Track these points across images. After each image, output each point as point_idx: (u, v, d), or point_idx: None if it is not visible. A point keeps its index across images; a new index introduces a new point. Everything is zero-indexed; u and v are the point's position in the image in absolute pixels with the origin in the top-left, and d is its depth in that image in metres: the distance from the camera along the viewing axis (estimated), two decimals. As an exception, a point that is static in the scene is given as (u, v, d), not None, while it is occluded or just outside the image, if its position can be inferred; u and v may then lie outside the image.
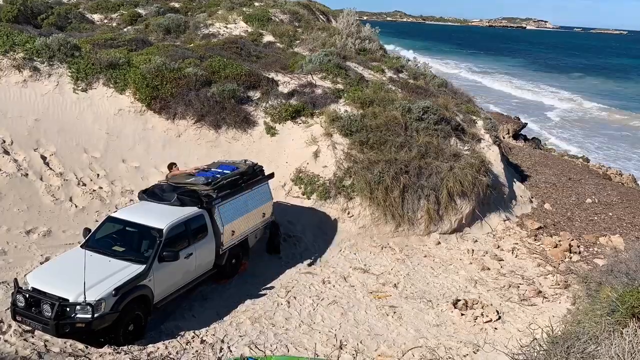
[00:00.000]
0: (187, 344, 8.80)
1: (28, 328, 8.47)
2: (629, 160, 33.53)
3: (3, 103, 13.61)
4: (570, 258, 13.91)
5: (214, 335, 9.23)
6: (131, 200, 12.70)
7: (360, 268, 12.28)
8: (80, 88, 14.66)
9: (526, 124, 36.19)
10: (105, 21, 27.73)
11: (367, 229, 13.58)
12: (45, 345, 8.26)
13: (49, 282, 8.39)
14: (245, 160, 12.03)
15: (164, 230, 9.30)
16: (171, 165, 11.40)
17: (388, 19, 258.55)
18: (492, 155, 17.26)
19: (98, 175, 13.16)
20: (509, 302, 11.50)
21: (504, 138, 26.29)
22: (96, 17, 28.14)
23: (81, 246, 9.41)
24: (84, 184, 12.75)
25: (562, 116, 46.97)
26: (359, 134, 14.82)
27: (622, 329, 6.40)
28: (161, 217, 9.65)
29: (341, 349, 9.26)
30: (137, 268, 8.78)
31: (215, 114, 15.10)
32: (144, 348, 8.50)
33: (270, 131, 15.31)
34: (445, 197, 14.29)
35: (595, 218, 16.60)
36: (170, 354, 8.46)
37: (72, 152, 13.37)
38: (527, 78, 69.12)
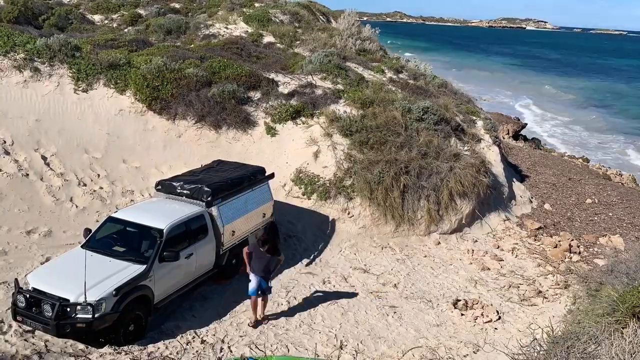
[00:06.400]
0: (187, 344, 8.81)
1: (28, 328, 8.48)
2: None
3: (4, 103, 13.61)
4: (571, 258, 13.90)
5: (214, 335, 9.24)
6: (132, 200, 12.71)
7: (361, 268, 12.29)
8: (80, 88, 14.68)
9: (526, 124, 36.23)
10: (106, 22, 27.78)
11: (367, 229, 13.58)
12: (46, 346, 8.27)
13: (50, 282, 8.40)
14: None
15: (164, 231, 9.30)
16: None
17: (388, 19, 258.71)
18: (492, 155, 17.27)
19: (99, 175, 13.17)
20: (509, 302, 11.51)
21: (503, 138, 26.32)
22: (97, 17, 28.19)
23: (82, 246, 9.41)
24: (85, 185, 12.76)
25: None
26: (359, 135, 14.83)
27: (623, 328, 6.41)
28: (161, 217, 9.66)
29: (341, 349, 9.27)
30: (138, 268, 8.78)
31: (216, 115, 15.11)
32: (145, 348, 8.51)
33: (271, 131, 15.32)
34: (446, 197, 14.29)
35: (595, 218, 16.60)
36: (170, 354, 8.47)
37: (73, 153, 13.38)
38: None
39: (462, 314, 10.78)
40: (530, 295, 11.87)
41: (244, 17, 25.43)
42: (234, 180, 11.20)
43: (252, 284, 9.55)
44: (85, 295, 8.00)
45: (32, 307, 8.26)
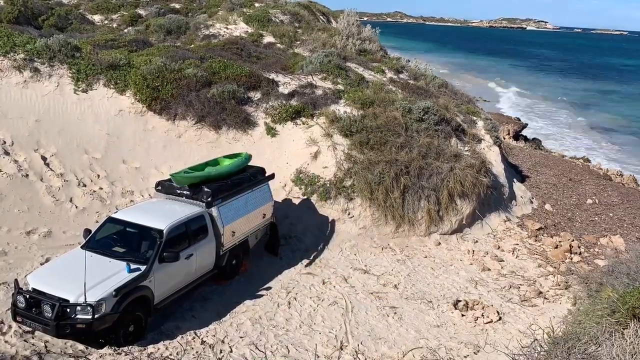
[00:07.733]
0: (187, 345, 8.80)
1: (28, 329, 8.48)
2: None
3: (4, 104, 13.60)
4: (571, 259, 13.89)
5: (214, 336, 9.23)
6: (131, 201, 12.70)
7: (361, 269, 12.27)
8: (80, 89, 14.66)
9: (527, 124, 36.20)
10: (106, 22, 27.81)
11: (367, 230, 13.57)
12: (46, 346, 8.27)
13: (50, 283, 8.39)
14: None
15: (164, 231, 9.29)
16: None
17: (388, 19, 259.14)
18: (493, 155, 17.25)
19: (98, 176, 13.16)
20: (509, 303, 11.49)
21: (504, 138, 26.30)
22: (97, 18, 28.21)
23: (81, 247, 9.40)
24: (85, 185, 12.75)
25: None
26: (359, 135, 14.81)
27: (623, 329, 6.40)
28: (161, 217, 9.65)
29: (342, 349, 9.26)
30: (138, 269, 8.76)
31: (216, 115, 15.10)
32: (144, 349, 8.50)
33: (271, 132, 15.31)
34: (446, 198, 14.28)
35: (596, 219, 16.59)
36: (170, 354, 8.46)
37: (73, 153, 13.37)
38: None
39: (462, 315, 10.76)
40: (530, 296, 11.86)
41: (244, 17, 25.44)
42: (234, 181, 11.19)
43: None
44: (85, 295, 8.00)
45: (32, 307, 8.25)
